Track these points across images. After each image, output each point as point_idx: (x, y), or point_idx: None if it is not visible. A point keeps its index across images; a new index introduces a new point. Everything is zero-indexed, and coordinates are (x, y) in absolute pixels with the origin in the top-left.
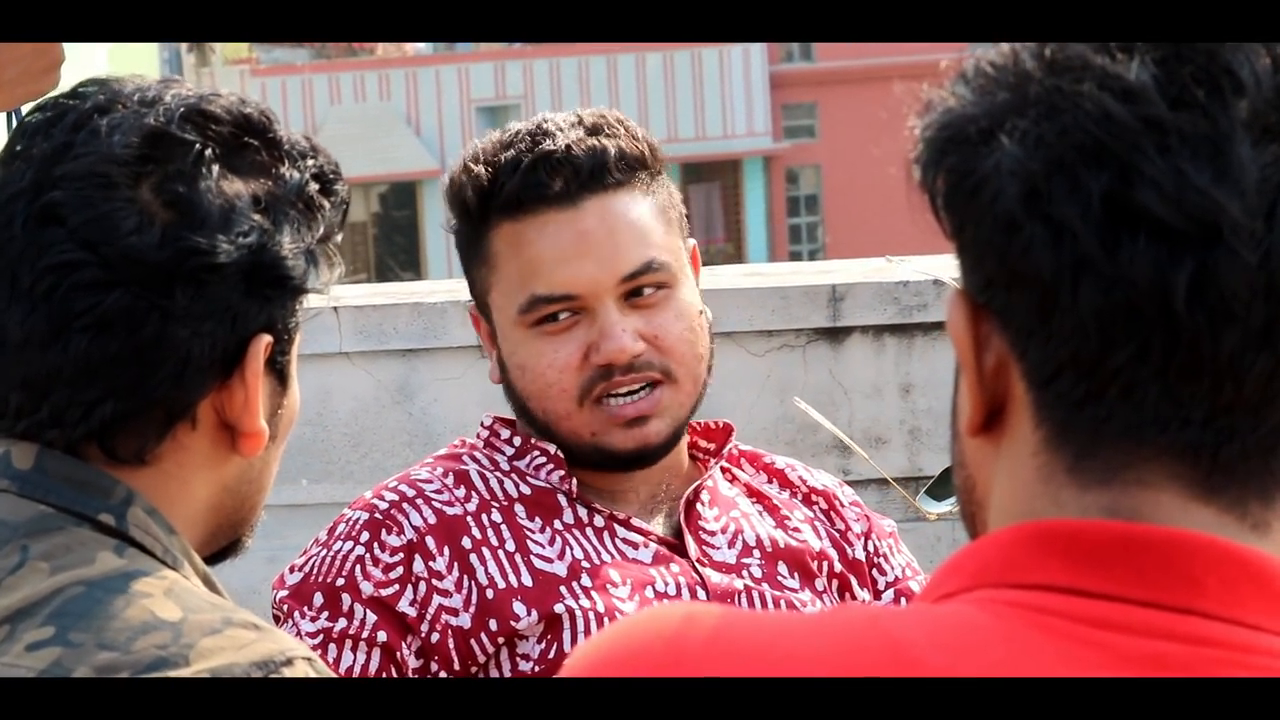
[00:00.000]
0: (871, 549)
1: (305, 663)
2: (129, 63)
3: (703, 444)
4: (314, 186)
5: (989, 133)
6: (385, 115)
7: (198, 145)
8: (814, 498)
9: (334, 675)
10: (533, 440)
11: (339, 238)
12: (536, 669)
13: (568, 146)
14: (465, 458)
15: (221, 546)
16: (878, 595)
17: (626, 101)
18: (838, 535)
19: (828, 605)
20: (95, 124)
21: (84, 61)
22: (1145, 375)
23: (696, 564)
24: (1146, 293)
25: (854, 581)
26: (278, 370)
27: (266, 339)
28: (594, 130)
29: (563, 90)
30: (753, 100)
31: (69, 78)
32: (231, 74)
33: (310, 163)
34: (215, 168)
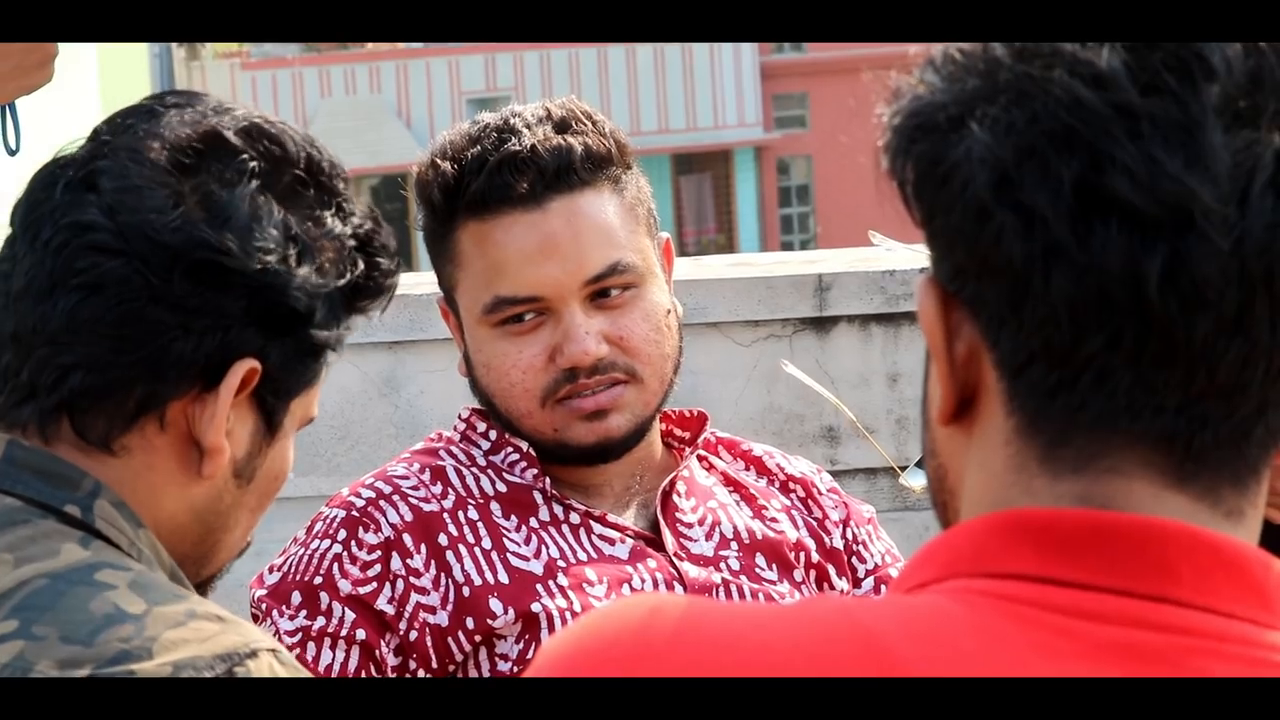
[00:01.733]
0: (850, 536)
1: (270, 654)
2: (119, 58)
3: (678, 433)
4: (352, 243)
5: (959, 120)
6: (376, 108)
7: (245, 156)
8: (791, 485)
9: (299, 666)
10: (506, 436)
11: (371, 310)
12: (515, 669)
13: (533, 146)
14: (442, 453)
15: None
16: (857, 583)
17: (617, 93)
18: (815, 524)
19: (806, 596)
20: (161, 113)
21: (73, 56)
22: (1118, 363)
23: (674, 558)
24: (1118, 280)
25: (832, 571)
26: (266, 410)
27: (251, 364)
28: (561, 127)
29: (553, 82)
30: (743, 91)
31: (59, 73)
32: (222, 68)
33: (359, 223)
34: (255, 183)
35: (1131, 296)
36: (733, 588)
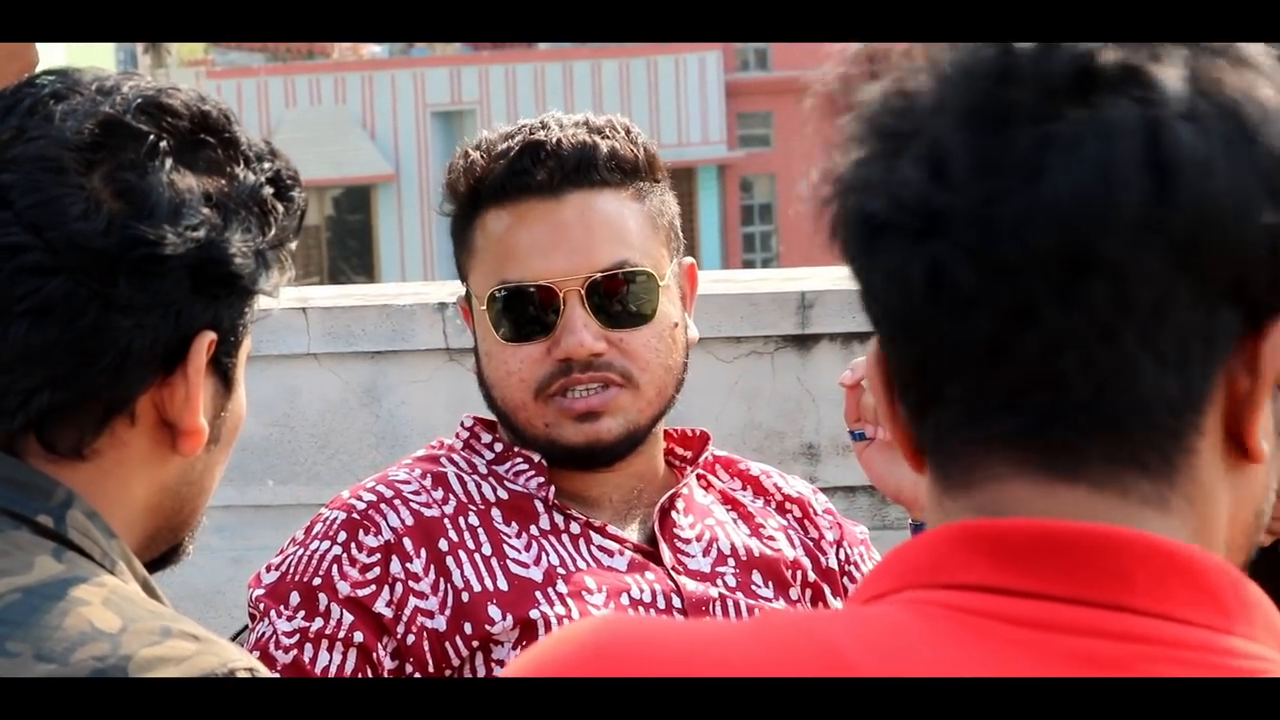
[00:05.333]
0: (843, 557)
1: (247, 674)
2: (85, 63)
3: (679, 451)
4: (269, 190)
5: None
6: (340, 119)
7: (152, 137)
8: (788, 506)
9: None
10: (516, 449)
11: (293, 244)
12: None
13: (558, 140)
14: (443, 459)
15: (161, 552)
16: None
17: (581, 108)
18: (811, 544)
19: None
20: (49, 110)
21: (45, 62)
22: (936, 376)
23: (671, 571)
24: (898, 295)
25: (827, 591)
26: (222, 372)
27: (210, 336)
28: (594, 130)
29: (518, 96)
30: (708, 108)
31: None
32: (187, 76)
33: (267, 165)
34: (168, 161)
35: (913, 308)
36: (729, 603)
